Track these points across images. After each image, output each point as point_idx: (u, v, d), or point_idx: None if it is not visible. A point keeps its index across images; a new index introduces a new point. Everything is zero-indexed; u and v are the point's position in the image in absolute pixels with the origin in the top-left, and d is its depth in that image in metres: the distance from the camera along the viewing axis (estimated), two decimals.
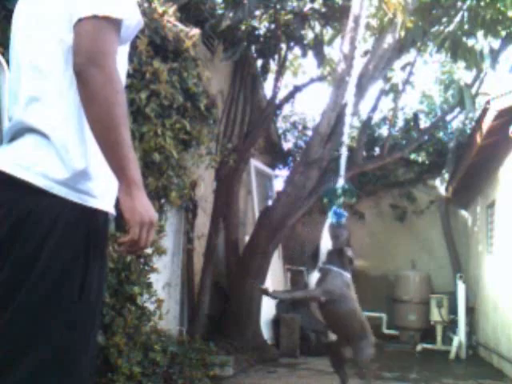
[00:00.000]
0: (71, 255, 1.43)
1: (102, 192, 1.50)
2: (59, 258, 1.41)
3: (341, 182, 4.26)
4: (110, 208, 1.55)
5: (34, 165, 1.42)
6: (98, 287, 1.51)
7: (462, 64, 7.54)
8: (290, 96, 8.34)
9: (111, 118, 1.37)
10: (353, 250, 4.16)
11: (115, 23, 1.41)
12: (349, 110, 4.76)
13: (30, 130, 1.45)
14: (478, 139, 6.64)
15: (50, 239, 1.40)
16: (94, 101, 1.37)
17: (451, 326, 8.21)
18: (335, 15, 6.79)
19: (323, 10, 6.85)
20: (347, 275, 4.11)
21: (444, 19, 6.64)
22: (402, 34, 5.96)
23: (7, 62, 1.67)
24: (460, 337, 7.68)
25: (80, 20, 1.38)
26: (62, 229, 1.41)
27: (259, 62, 7.54)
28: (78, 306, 1.44)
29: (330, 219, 4.05)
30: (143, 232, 1.43)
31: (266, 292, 4.17)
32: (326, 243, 4.03)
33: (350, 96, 4.64)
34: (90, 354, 1.52)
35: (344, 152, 4.41)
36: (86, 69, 1.36)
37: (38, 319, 1.40)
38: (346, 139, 4.59)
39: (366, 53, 7.09)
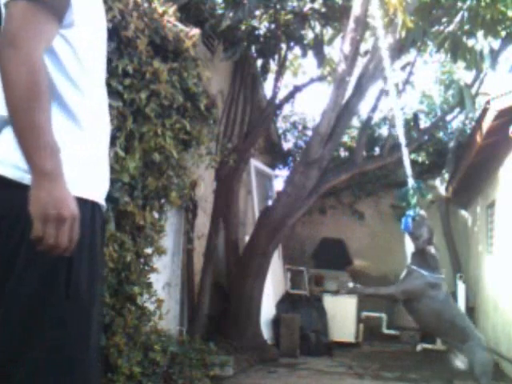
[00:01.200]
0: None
1: (79, 179, 1.43)
2: (38, 253, 1.34)
3: (410, 183, 4.22)
4: (93, 196, 1.48)
5: (7, 157, 1.39)
6: (89, 282, 1.44)
7: (461, 64, 7.53)
8: (290, 96, 8.34)
9: (23, 100, 1.30)
10: (436, 247, 4.08)
11: (42, 4, 1.36)
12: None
13: (5, 122, 1.41)
14: (478, 139, 6.64)
15: (27, 234, 1.32)
16: (7, 82, 1.32)
17: None
18: (335, 15, 6.79)
19: (323, 10, 6.85)
20: (433, 275, 4.04)
21: (444, 19, 6.64)
22: (403, 34, 5.96)
23: None
24: None
25: (7, 4, 1.37)
26: None
27: (259, 62, 7.53)
28: (66, 302, 1.39)
29: (403, 227, 4.03)
30: (48, 228, 1.28)
31: (352, 290, 4.17)
32: (408, 243, 4.04)
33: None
34: (91, 353, 1.46)
35: (405, 151, 4.38)
36: (2, 49, 1.32)
37: (24, 320, 1.37)
38: (400, 131, 4.51)
39: (365, 53, 7.09)
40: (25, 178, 1.36)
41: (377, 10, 4.59)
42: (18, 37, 1.32)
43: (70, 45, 1.46)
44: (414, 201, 4.08)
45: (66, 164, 1.37)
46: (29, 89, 1.30)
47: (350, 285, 4.34)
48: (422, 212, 4.11)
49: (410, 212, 4.05)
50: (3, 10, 1.42)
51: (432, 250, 4.03)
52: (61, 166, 1.33)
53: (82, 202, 1.42)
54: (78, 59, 1.47)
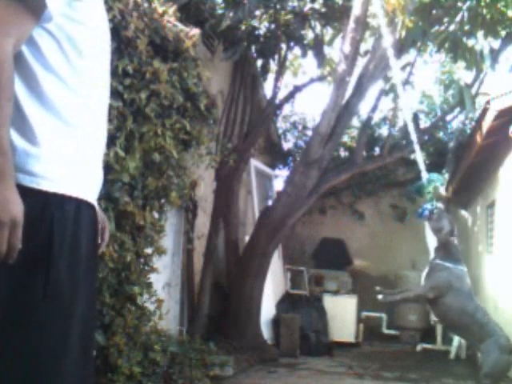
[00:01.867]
0: (28, 248, 1.29)
1: (62, 175, 1.38)
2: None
3: (425, 177, 4.19)
4: (78, 194, 1.43)
5: None
6: (70, 282, 1.38)
7: (462, 64, 7.54)
8: (290, 96, 8.35)
9: None
10: (458, 239, 4.02)
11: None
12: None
13: None
14: (478, 139, 6.64)
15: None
16: None
17: None
18: (335, 15, 6.80)
19: (323, 10, 6.85)
20: (457, 267, 3.93)
21: (444, 19, 6.64)
22: (403, 34, 5.96)
23: None
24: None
25: None
26: None
27: (259, 62, 7.54)
28: (44, 303, 1.33)
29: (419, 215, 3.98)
30: None
31: (382, 299, 4.12)
32: (430, 240, 3.99)
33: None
34: (71, 354, 1.40)
35: (417, 148, 4.36)
36: None
37: (1, 325, 1.31)
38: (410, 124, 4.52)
39: (366, 53, 7.10)
40: None
41: (379, 9, 4.58)
42: None
43: (57, 40, 1.42)
44: (430, 194, 4.05)
45: (46, 159, 1.33)
46: None
47: (380, 297, 4.25)
48: (440, 205, 4.06)
49: (428, 205, 4.02)
50: None
51: (455, 241, 3.97)
52: (9, 166, 1.24)
53: (64, 199, 1.37)
54: (65, 55, 1.43)
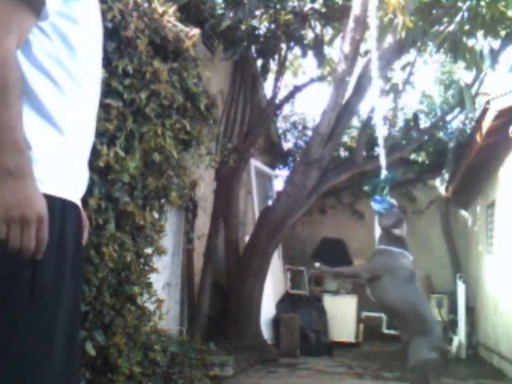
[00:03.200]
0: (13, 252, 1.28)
1: (49, 176, 1.37)
2: (1, 255, 1.28)
3: (383, 174, 4.18)
4: (62, 194, 1.41)
5: None
6: (55, 282, 1.37)
7: (462, 64, 7.54)
8: (290, 96, 8.35)
9: None
10: (403, 231, 3.95)
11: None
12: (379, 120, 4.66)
13: None
14: (478, 139, 6.64)
15: None
16: None
17: (451, 326, 8.21)
18: (335, 15, 6.80)
19: (323, 10, 6.85)
20: (400, 251, 3.86)
21: (444, 19, 6.64)
22: (403, 34, 5.96)
23: None
24: (460, 337, 7.68)
25: None
26: None
27: (259, 62, 7.54)
28: (29, 303, 1.31)
29: (375, 207, 3.94)
30: (13, 230, 1.23)
31: (317, 270, 4.06)
32: (377, 231, 3.96)
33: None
34: (56, 359, 1.38)
35: (381, 140, 4.35)
36: None
37: None
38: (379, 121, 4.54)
39: (366, 53, 7.09)
40: None
41: (373, 9, 4.57)
42: None
43: (50, 39, 1.40)
44: (385, 191, 4.04)
45: (34, 161, 1.31)
46: None
47: (317, 265, 4.21)
48: (393, 200, 4.05)
49: (377, 197, 4.01)
50: None
51: (397, 231, 3.91)
52: (28, 164, 1.26)
53: (50, 200, 1.36)
54: (58, 55, 1.41)
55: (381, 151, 4.32)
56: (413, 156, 10.37)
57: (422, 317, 3.73)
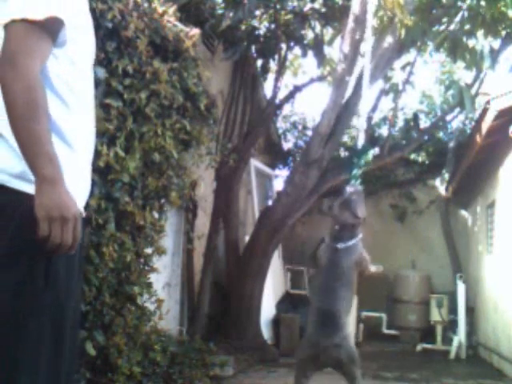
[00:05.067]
0: (31, 244, 1.45)
1: None
2: (19, 248, 1.46)
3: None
4: None
5: None
6: (66, 273, 1.54)
7: (461, 64, 7.53)
8: (290, 96, 8.34)
9: (21, 113, 1.42)
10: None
11: (36, 24, 1.47)
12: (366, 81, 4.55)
13: None
14: (478, 139, 6.64)
15: (9, 230, 1.46)
16: (6, 96, 1.43)
17: (451, 325, 8.21)
18: (335, 15, 6.79)
19: (323, 10, 6.85)
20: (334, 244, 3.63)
21: (444, 19, 6.63)
22: (403, 33, 5.96)
23: None
24: (460, 337, 7.68)
25: (5, 27, 1.48)
26: (19, 220, 1.47)
27: (259, 62, 7.53)
28: (46, 293, 1.48)
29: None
30: (54, 228, 1.42)
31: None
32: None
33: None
34: (66, 343, 1.55)
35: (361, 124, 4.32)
36: (1, 68, 1.44)
37: (7, 313, 1.46)
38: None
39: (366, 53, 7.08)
40: (11, 181, 1.49)
41: (372, 8, 4.55)
42: (15, 56, 1.44)
43: (59, 61, 1.56)
44: (358, 171, 3.93)
45: None
46: (27, 104, 1.42)
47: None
48: (360, 187, 3.85)
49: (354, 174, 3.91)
50: (1, 32, 1.52)
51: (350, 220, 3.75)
52: (59, 172, 1.44)
53: None
54: (67, 77, 1.57)
55: (360, 135, 4.31)
56: (413, 156, 10.37)
57: (315, 310, 3.52)
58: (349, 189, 3.80)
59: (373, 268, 3.82)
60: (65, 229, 1.43)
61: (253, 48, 7.03)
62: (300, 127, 11.22)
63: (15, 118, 1.43)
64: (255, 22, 6.85)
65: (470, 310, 8.19)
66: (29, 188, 1.48)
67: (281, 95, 7.97)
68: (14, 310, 1.46)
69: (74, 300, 1.61)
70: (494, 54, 6.49)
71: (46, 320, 1.49)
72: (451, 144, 9.93)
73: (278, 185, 9.35)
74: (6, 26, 1.47)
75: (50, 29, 1.50)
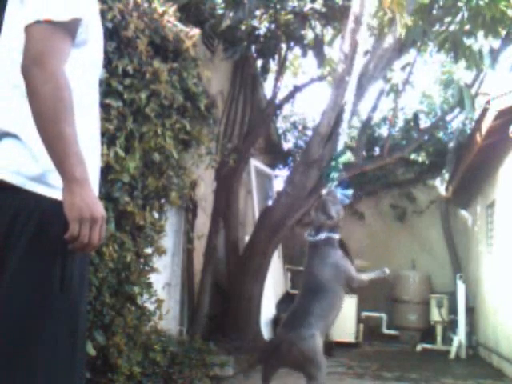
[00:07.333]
0: (47, 247, 1.48)
1: None
2: (35, 252, 1.47)
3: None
4: None
5: (8, 165, 1.50)
6: (80, 279, 1.55)
7: (462, 64, 7.54)
8: (290, 96, 8.34)
9: (50, 114, 1.42)
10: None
11: (60, 25, 1.48)
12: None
13: (4, 134, 1.52)
14: (478, 139, 6.64)
15: (25, 234, 1.47)
16: (35, 97, 1.43)
17: (451, 325, 8.21)
18: (335, 15, 6.79)
19: (323, 10, 6.84)
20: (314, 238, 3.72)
21: (445, 19, 6.63)
22: (403, 33, 5.96)
23: None
24: (460, 337, 7.68)
25: (27, 28, 1.47)
26: (36, 222, 1.48)
27: (259, 62, 7.53)
28: (61, 296, 1.49)
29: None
30: (84, 228, 1.43)
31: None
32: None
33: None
34: (78, 348, 1.56)
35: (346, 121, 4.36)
36: (29, 69, 1.44)
37: (24, 315, 1.46)
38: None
39: (366, 53, 7.09)
40: (26, 183, 1.49)
41: (370, 8, 4.57)
42: (42, 56, 1.44)
43: (79, 64, 1.57)
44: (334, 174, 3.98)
45: (52, 171, 1.47)
46: (55, 104, 1.42)
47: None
48: (334, 190, 3.88)
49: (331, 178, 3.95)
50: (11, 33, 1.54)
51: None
52: (87, 172, 1.46)
53: None
54: (78, 77, 1.57)
55: (341, 139, 4.36)
56: (413, 156, 10.37)
57: (290, 308, 3.68)
58: (324, 192, 3.89)
59: (364, 276, 3.90)
60: (94, 228, 1.45)
61: (253, 48, 7.03)
62: (300, 127, 11.22)
63: (45, 119, 1.42)
64: (255, 22, 6.85)
65: (470, 310, 8.19)
66: (45, 191, 1.49)
67: (281, 95, 7.98)
68: (31, 313, 1.46)
69: (85, 305, 1.62)
70: (494, 54, 6.49)
71: (62, 323, 1.50)
72: (451, 144, 9.93)
73: (278, 185, 9.34)
74: (29, 27, 1.47)
75: (71, 28, 1.51)
